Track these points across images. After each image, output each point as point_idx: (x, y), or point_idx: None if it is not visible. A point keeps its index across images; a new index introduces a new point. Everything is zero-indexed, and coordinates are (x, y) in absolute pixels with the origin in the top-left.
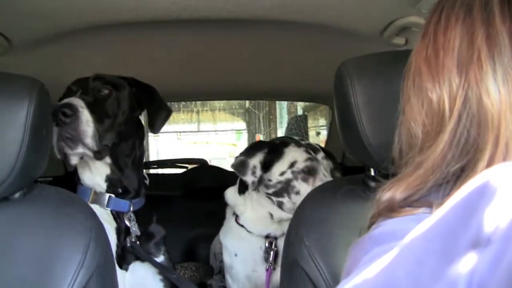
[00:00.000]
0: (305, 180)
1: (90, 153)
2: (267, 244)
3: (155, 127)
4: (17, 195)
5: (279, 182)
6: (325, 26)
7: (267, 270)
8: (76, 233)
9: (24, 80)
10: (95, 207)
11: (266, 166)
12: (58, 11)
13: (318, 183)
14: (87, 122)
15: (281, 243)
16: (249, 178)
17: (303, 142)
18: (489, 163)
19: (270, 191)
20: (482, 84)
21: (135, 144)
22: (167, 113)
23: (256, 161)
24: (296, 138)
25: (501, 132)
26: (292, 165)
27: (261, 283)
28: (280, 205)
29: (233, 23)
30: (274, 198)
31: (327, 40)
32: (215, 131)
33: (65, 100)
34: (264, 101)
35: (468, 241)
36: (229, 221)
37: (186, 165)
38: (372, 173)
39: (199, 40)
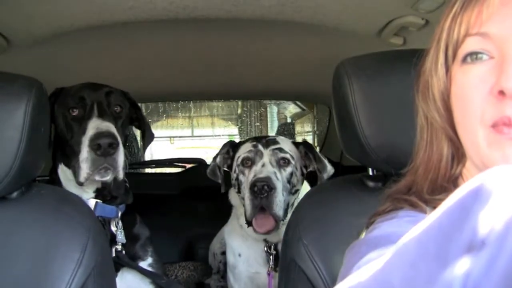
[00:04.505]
0: (242, 172)
1: (111, 179)
2: (265, 248)
3: (145, 146)
4: (15, 194)
5: (236, 179)
6: (323, 26)
7: (268, 274)
8: (74, 232)
9: (22, 79)
10: None
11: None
12: (57, 11)
13: (252, 174)
14: (123, 152)
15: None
16: (220, 180)
17: (270, 138)
18: None
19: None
20: None
21: (126, 154)
22: (151, 137)
23: (216, 162)
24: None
25: None
26: (237, 160)
27: (263, 285)
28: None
29: (231, 23)
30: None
31: (325, 40)
32: (210, 136)
33: (104, 128)
34: (255, 108)
35: (462, 244)
36: (234, 220)
37: (184, 165)
38: (370, 173)
39: (197, 40)
